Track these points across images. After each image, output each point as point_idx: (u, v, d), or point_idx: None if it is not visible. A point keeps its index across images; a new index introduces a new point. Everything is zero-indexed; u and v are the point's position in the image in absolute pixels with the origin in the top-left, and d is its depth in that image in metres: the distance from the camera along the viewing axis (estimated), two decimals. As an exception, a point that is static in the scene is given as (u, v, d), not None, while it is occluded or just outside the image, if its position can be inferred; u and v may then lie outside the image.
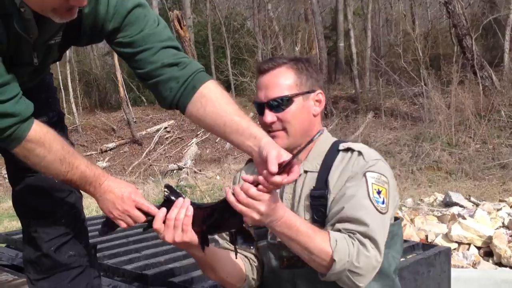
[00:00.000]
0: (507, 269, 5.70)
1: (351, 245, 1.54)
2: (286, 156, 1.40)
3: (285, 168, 1.37)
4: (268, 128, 1.70)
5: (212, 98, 1.64)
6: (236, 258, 1.73)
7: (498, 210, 7.66)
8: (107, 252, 3.05)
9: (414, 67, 17.72)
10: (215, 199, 11.74)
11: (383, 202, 1.61)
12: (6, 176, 1.80)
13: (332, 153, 1.73)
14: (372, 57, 20.01)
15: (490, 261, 5.99)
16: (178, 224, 1.53)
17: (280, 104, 1.67)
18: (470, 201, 8.92)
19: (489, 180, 11.95)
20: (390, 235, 1.67)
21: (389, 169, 1.71)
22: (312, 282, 1.65)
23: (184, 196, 1.62)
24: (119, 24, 1.62)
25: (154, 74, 1.67)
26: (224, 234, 1.79)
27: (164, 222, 1.55)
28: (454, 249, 6.20)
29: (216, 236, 1.86)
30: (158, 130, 19.67)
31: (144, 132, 19.66)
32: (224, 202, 1.51)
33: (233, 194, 1.46)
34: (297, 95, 1.69)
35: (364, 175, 1.63)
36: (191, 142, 18.59)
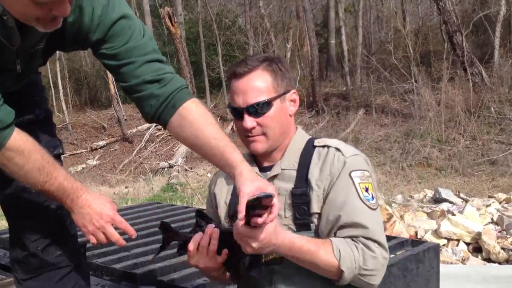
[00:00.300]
0: (496, 265, 5.75)
1: (355, 250, 1.57)
2: (263, 187, 1.46)
3: (264, 207, 1.38)
4: (247, 133, 1.69)
5: (190, 120, 1.64)
6: (233, 281, 1.76)
7: (487, 206, 7.72)
8: (95, 251, 3.04)
9: (405, 64, 17.78)
10: (205, 197, 11.72)
11: (372, 198, 1.63)
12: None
13: (308, 150, 1.72)
14: (363, 54, 20.06)
15: (479, 257, 6.04)
16: (204, 252, 1.59)
17: (259, 109, 1.65)
18: (459, 197, 8.98)
19: (478, 176, 12.04)
20: None
21: (367, 161, 1.71)
22: (288, 277, 1.64)
23: (213, 222, 1.66)
24: (103, 35, 1.61)
25: (136, 89, 1.67)
26: None
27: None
28: (444, 245, 6.24)
29: None
30: (148, 128, 19.59)
31: (134, 130, 19.60)
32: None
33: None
34: (275, 98, 1.67)
35: (350, 176, 1.63)
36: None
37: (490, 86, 15.61)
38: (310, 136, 1.80)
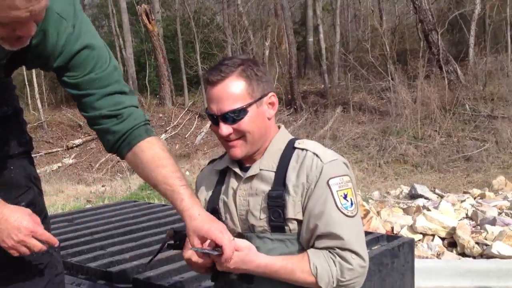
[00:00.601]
0: (470, 259, 5.84)
1: (332, 264, 1.59)
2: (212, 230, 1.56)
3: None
4: (225, 138, 1.69)
5: (142, 160, 1.65)
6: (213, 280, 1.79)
7: (462, 201, 7.84)
8: (71, 250, 3.01)
9: (382, 62, 17.95)
10: (184, 194, 11.68)
11: (351, 204, 1.62)
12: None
13: (288, 151, 1.71)
14: (341, 52, 20.18)
15: (454, 251, 6.12)
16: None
17: (235, 116, 1.64)
18: (435, 193, 9.10)
19: (453, 172, 12.22)
20: None
21: (346, 163, 1.70)
22: (269, 279, 1.65)
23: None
24: (64, 63, 1.59)
25: (94, 122, 1.67)
26: None
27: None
28: (419, 240, 6.32)
29: None
30: (126, 126, 19.46)
31: (112, 128, 19.41)
32: None
33: None
34: (250, 104, 1.65)
35: (328, 184, 1.61)
36: (160, 138, 18.45)
37: (465, 84, 15.86)
38: (292, 137, 1.79)
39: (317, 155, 1.65)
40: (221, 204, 1.77)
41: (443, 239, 6.37)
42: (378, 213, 7.27)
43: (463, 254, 6.02)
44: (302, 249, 1.65)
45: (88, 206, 9.54)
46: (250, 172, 1.71)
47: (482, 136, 13.79)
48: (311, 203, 1.62)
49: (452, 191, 9.73)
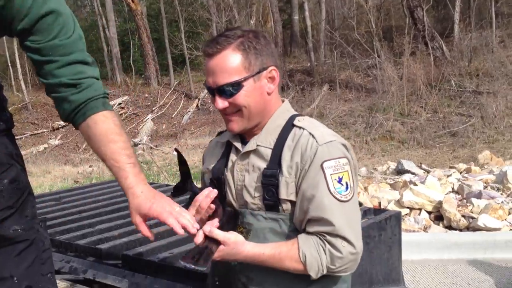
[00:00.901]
0: (457, 232, 5.91)
1: (322, 252, 1.55)
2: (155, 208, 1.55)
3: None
4: (222, 111, 1.65)
5: (95, 133, 1.62)
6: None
7: (448, 176, 7.90)
8: (59, 228, 3.00)
9: (368, 39, 17.93)
10: (172, 174, 11.68)
11: (346, 188, 1.57)
12: None
13: (287, 128, 1.66)
14: (327, 29, 20.10)
15: (441, 225, 6.19)
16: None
17: (229, 90, 1.60)
18: (421, 168, 9.17)
19: (439, 148, 12.33)
20: None
21: (345, 146, 1.63)
22: (266, 272, 1.64)
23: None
24: (29, 26, 1.54)
25: (53, 89, 1.63)
26: None
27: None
28: (406, 214, 6.38)
29: None
30: (112, 106, 19.31)
31: (97, 109, 19.26)
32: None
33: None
34: (246, 78, 1.60)
35: (322, 167, 1.56)
36: (147, 118, 18.36)
37: (450, 60, 15.91)
38: (295, 113, 1.73)
39: (313, 136, 1.60)
40: (225, 175, 1.75)
41: (429, 213, 6.43)
42: (366, 188, 7.31)
43: (449, 227, 6.09)
44: (295, 229, 1.62)
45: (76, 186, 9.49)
46: (247, 147, 1.69)
47: (468, 111, 13.89)
48: (304, 185, 1.59)
49: (439, 166, 9.81)
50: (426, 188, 6.75)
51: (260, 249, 1.58)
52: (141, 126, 17.83)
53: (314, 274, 1.56)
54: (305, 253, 1.56)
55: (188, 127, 17.37)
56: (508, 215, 5.98)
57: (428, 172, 8.65)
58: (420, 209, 6.43)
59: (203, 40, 22.05)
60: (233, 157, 1.73)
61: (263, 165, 1.64)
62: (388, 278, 3.06)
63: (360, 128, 13.87)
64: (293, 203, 1.61)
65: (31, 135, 18.35)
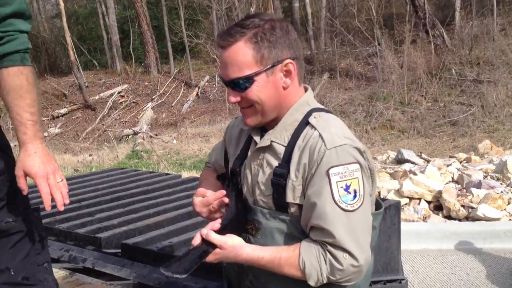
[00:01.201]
0: (456, 221, 5.91)
1: (322, 262, 1.49)
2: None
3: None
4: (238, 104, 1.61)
5: (7, 86, 1.62)
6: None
7: (448, 165, 7.89)
8: (59, 217, 3.00)
9: (368, 27, 17.84)
10: (172, 163, 11.68)
11: (354, 197, 1.47)
12: None
13: (302, 125, 1.58)
14: (327, 17, 20.00)
15: (440, 214, 6.19)
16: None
17: (241, 84, 1.54)
18: (421, 158, 9.16)
19: (440, 137, 12.31)
20: None
21: (358, 149, 1.52)
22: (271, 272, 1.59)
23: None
24: None
25: None
26: None
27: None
28: (405, 204, 6.38)
29: None
30: (111, 95, 19.27)
31: (97, 97, 19.24)
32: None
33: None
34: (257, 73, 1.52)
35: (327, 173, 1.47)
36: (146, 106, 18.33)
37: (451, 48, 15.85)
38: (314, 106, 1.64)
39: (322, 138, 1.50)
40: (242, 168, 1.69)
41: (429, 202, 6.42)
42: (365, 177, 7.30)
43: (449, 217, 6.08)
44: (303, 231, 1.55)
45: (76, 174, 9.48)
46: (261, 143, 1.62)
47: (468, 100, 13.86)
48: (309, 190, 1.51)
49: (439, 156, 9.80)
50: (426, 177, 6.74)
51: (260, 252, 1.54)
52: (141, 115, 17.80)
53: (313, 283, 1.50)
54: (305, 261, 1.50)
55: (188, 116, 17.35)
56: (508, 205, 5.98)
57: (428, 161, 8.64)
58: (419, 199, 6.42)
59: (203, 28, 21.97)
60: (251, 149, 1.67)
61: (275, 163, 1.58)
62: (387, 268, 3.07)
63: (360, 117, 13.85)
64: (300, 206, 1.54)
65: (31, 123, 18.30)
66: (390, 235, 3.11)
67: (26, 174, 1.62)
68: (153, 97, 18.97)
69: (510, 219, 5.75)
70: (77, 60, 20.09)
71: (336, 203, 1.46)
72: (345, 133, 1.55)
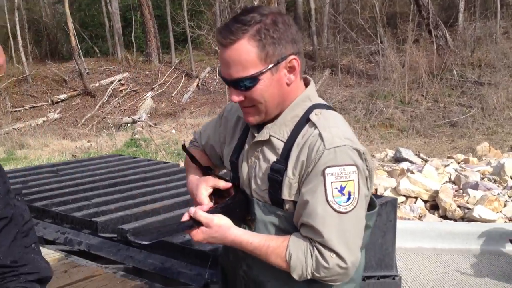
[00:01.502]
0: (452, 221, 5.93)
1: (309, 257, 1.48)
2: None
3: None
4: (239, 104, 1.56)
5: None
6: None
7: (445, 166, 7.91)
8: (55, 200, 3.00)
9: (371, 25, 17.81)
10: (170, 152, 11.67)
11: (348, 199, 1.45)
12: None
13: (302, 121, 1.54)
14: (330, 13, 19.96)
15: (436, 214, 6.21)
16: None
17: (245, 84, 1.48)
18: (419, 157, 9.17)
19: (438, 137, 12.32)
20: None
21: (358, 151, 1.49)
22: (264, 262, 1.58)
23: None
24: None
25: None
26: None
27: None
28: (402, 202, 6.39)
29: None
30: (112, 82, 19.22)
31: (97, 84, 19.19)
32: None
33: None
34: (262, 72, 1.47)
35: (323, 173, 1.45)
36: (146, 95, 18.29)
37: (453, 49, 15.83)
38: (316, 102, 1.60)
39: (322, 137, 1.47)
40: (240, 158, 1.67)
41: (425, 201, 6.44)
42: (363, 175, 7.31)
43: (444, 217, 6.10)
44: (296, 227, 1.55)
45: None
46: (259, 137, 1.58)
47: (468, 102, 13.86)
48: (303, 188, 1.49)
49: (437, 156, 9.82)
50: (423, 177, 6.75)
51: (249, 237, 1.53)
52: (140, 104, 17.77)
53: (297, 276, 1.50)
54: (291, 254, 1.49)
55: (187, 107, 17.32)
56: (504, 207, 6.00)
57: (426, 161, 8.65)
58: (416, 198, 6.44)
59: (205, 19, 21.89)
60: (248, 141, 1.64)
61: (273, 158, 1.55)
62: (381, 264, 3.07)
63: (360, 115, 13.84)
64: (295, 203, 1.53)
65: (30, 108, 18.28)
66: (385, 231, 3.11)
67: None
68: (153, 86, 18.93)
69: (505, 222, 5.77)
70: (79, 46, 20.02)
71: (329, 203, 1.44)
72: (346, 133, 1.52)
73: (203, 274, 2.04)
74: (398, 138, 12.47)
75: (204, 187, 1.62)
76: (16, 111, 17.99)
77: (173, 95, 18.35)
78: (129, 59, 20.86)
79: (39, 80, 19.99)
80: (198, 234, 1.52)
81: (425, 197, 6.45)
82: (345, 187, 1.45)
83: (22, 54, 20.27)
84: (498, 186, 6.71)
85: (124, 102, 18.26)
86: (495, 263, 5.00)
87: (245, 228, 1.61)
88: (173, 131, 14.16)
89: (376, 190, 6.74)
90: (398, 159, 8.98)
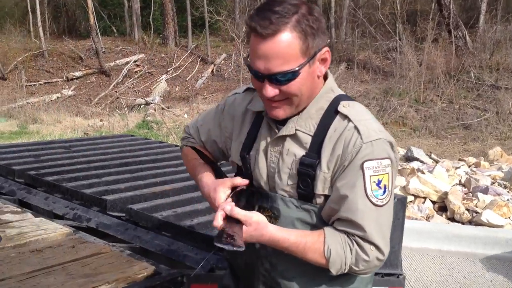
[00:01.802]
0: (459, 224, 5.90)
1: (348, 251, 1.46)
2: None
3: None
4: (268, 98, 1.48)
5: None
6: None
7: (456, 168, 7.86)
8: (66, 175, 3.02)
9: (391, 21, 17.66)
10: (180, 137, 11.71)
11: (384, 192, 1.44)
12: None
13: (330, 114, 1.50)
14: (350, 6, 19.80)
15: (444, 216, 6.18)
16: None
17: (284, 78, 1.41)
18: (430, 157, 9.12)
19: (451, 139, 12.23)
20: None
21: (390, 144, 1.48)
22: (290, 260, 1.55)
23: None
24: None
25: None
26: None
27: None
28: (410, 201, 6.37)
29: None
30: (127, 63, 19.25)
31: (112, 64, 19.23)
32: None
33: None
34: (303, 65, 1.41)
35: (362, 167, 1.43)
36: (161, 78, 18.31)
37: (472, 51, 15.67)
38: (338, 94, 1.55)
39: (358, 131, 1.45)
40: (252, 153, 1.60)
41: (434, 202, 6.41)
42: (372, 171, 7.28)
43: (452, 219, 6.07)
44: (325, 222, 1.52)
45: (84, 138, 9.56)
46: (284, 131, 1.52)
47: (484, 105, 13.74)
48: (339, 182, 1.46)
49: (448, 157, 9.76)
50: (434, 177, 6.72)
51: (286, 234, 1.47)
52: (154, 86, 17.79)
53: (334, 271, 1.48)
54: (330, 249, 1.46)
55: (201, 92, 17.32)
56: (513, 213, 5.96)
57: (437, 162, 8.60)
58: (425, 198, 6.41)
59: (224, 5, 21.80)
60: (265, 135, 1.58)
61: (300, 152, 1.51)
62: (386, 261, 3.05)
63: (374, 111, 13.76)
64: (327, 197, 1.50)
65: (45, 83, 18.38)
66: (393, 229, 3.09)
67: None
68: (168, 69, 18.94)
69: (513, 227, 5.73)
70: (96, 24, 20.05)
71: (368, 198, 1.43)
72: (378, 126, 1.50)
73: (209, 259, 2.04)
74: (410, 137, 12.40)
75: (222, 189, 1.54)
76: (31, 85, 18.08)
77: (187, 79, 18.36)
78: (145, 41, 20.86)
79: (55, 56, 20.07)
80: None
81: (434, 198, 6.41)
82: (381, 180, 1.44)
83: (40, 29, 20.33)
84: (508, 191, 6.66)
85: (138, 83, 18.29)
86: (500, 269, 4.97)
87: None
88: (185, 115, 14.18)
89: (385, 187, 6.71)
90: (409, 158, 8.94)
